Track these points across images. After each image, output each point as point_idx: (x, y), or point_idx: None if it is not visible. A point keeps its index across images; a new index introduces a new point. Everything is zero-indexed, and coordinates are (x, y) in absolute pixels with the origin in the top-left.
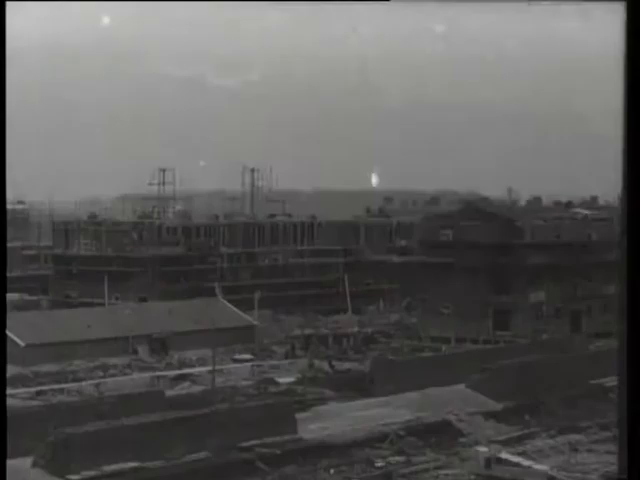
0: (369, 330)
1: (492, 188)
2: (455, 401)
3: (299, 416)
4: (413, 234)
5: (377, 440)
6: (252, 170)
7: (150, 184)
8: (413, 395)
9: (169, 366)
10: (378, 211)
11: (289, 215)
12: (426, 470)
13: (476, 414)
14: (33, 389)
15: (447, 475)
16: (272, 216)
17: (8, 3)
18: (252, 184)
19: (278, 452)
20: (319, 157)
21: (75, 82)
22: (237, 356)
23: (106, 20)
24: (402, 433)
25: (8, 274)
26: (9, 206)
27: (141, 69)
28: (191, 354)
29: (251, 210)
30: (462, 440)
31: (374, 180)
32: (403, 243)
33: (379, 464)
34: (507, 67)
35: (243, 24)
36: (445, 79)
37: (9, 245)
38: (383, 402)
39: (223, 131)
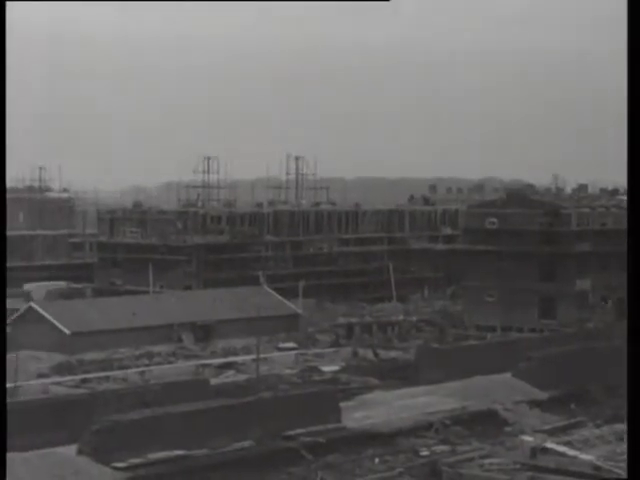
0: (414, 318)
1: (538, 175)
2: (500, 390)
3: (343, 405)
4: (458, 222)
5: (422, 429)
6: (296, 158)
7: (195, 172)
8: (458, 384)
9: (213, 354)
10: (423, 199)
11: (333, 203)
12: (471, 459)
13: (521, 403)
14: (78, 377)
15: (492, 464)
16: (317, 204)
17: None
18: (297, 172)
19: (322, 441)
20: (363, 144)
21: (125, 72)
22: (281, 344)
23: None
24: (447, 422)
25: (54, 262)
26: (55, 195)
27: (187, 60)
28: (235, 342)
29: (296, 198)
30: (507, 429)
31: (419, 168)
32: (448, 231)
33: (424, 453)
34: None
35: (293, 21)
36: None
37: (56, 233)
38: (428, 391)
39: (267, 119)
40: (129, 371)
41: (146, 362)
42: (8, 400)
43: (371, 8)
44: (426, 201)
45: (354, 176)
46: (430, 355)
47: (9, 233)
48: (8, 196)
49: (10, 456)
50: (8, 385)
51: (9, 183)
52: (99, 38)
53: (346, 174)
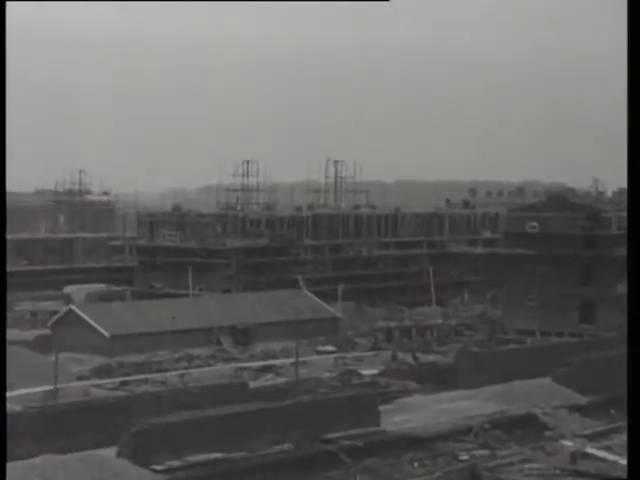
0: (453, 322)
1: (578, 179)
2: (540, 394)
3: (382, 408)
4: (498, 225)
5: (461, 433)
6: (336, 161)
7: (234, 175)
8: (498, 388)
9: (252, 357)
10: (463, 202)
11: (373, 207)
12: (510, 464)
13: (561, 408)
14: (118, 379)
15: (532, 469)
16: (356, 208)
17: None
18: (336, 175)
19: (361, 444)
20: (402, 148)
21: (165, 74)
22: (320, 348)
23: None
24: (487, 426)
25: (95, 265)
26: (95, 198)
27: (226, 62)
28: (274, 345)
29: (335, 202)
30: (547, 434)
31: (459, 171)
32: (488, 234)
33: (463, 457)
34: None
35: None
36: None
37: (96, 236)
38: (467, 395)
39: (307, 123)
40: (168, 374)
41: (185, 365)
42: (49, 403)
43: (405, 7)
44: (466, 204)
45: (394, 179)
46: (469, 359)
47: (49, 236)
48: (50, 199)
49: (49, 458)
50: (49, 387)
51: (50, 186)
52: (141, 40)
53: (386, 177)
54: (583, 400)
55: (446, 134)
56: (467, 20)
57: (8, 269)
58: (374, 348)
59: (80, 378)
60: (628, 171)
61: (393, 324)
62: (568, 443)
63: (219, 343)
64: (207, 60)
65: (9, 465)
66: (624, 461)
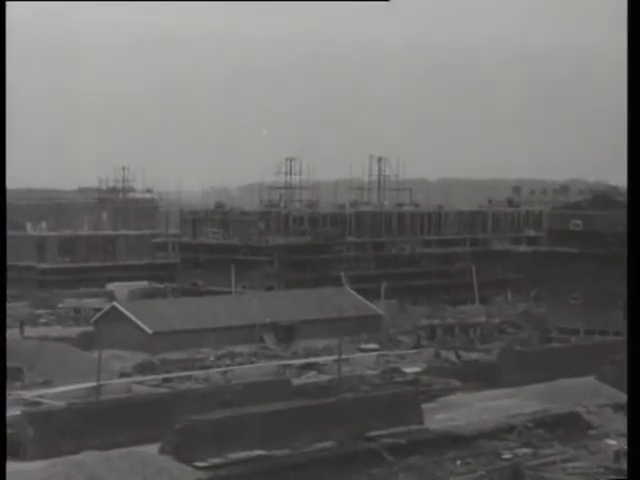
0: (496, 320)
1: (622, 177)
2: (584, 393)
3: (425, 406)
4: (542, 224)
5: (504, 431)
6: (379, 159)
7: (277, 173)
8: (541, 386)
9: (295, 355)
10: (507, 200)
11: (416, 204)
12: (554, 463)
13: (605, 406)
14: (160, 376)
15: (575, 468)
16: (399, 205)
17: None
18: (379, 173)
19: (403, 442)
20: (446, 145)
21: (208, 73)
22: (363, 346)
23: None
24: (530, 425)
25: (138, 262)
26: (138, 195)
27: (268, 60)
28: (317, 343)
29: (378, 199)
30: (591, 433)
31: (503, 169)
32: (532, 233)
33: (506, 456)
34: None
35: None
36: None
37: (139, 233)
38: (511, 393)
39: (349, 120)
40: (211, 371)
41: (228, 362)
42: (92, 399)
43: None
44: (510, 202)
45: (437, 177)
46: (513, 357)
47: (93, 233)
48: (93, 196)
49: (91, 455)
50: (92, 384)
51: (93, 184)
52: (187, 37)
53: (429, 175)
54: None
55: (492, 131)
56: (509, 14)
57: (52, 266)
58: (417, 346)
59: (123, 375)
60: (628, 171)
61: (436, 322)
62: (612, 442)
63: (262, 340)
64: (251, 59)
65: (52, 461)
66: None
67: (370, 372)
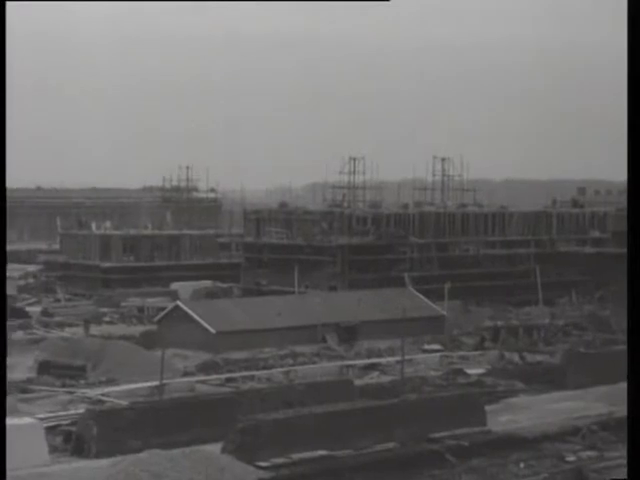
0: (561, 322)
1: None
2: None
3: (488, 408)
4: (607, 225)
5: (568, 434)
6: (443, 159)
7: (340, 173)
8: (606, 389)
9: (358, 355)
10: (571, 201)
11: (480, 205)
12: (619, 466)
13: None
14: (223, 376)
15: None
16: (463, 206)
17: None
18: (443, 173)
19: (466, 444)
20: (511, 146)
21: (270, 71)
22: (426, 346)
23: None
24: (595, 427)
25: (201, 261)
26: (202, 194)
27: (330, 58)
28: (380, 344)
29: (442, 200)
30: None
31: (567, 170)
32: (596, 234)
33: (570, 459)
34: None
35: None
36: None
37: (203, 232)
38: (575, 395)
39: (413, 120)
40: (274, 371)
41: (290, 362)
42: (155, 398)
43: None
44: (575, 203)
45: (502, 178)
46: (577, 359)
47: (157, 232)
48: (157, 196)
49: (154, 453)
50: (155, 383)
51: (157, 183)
52: (240, 36)
53: (494, 176)
54: None
55: (557, 132)
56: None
57: (116, 264)
58: (480, 347)
59: (186, 374)
60: (628, 171)
61: (500, 323)
62: None
63: (324, 341)
64: (314, 58)
65: (116, 459)
66: None
67: (433, 373)
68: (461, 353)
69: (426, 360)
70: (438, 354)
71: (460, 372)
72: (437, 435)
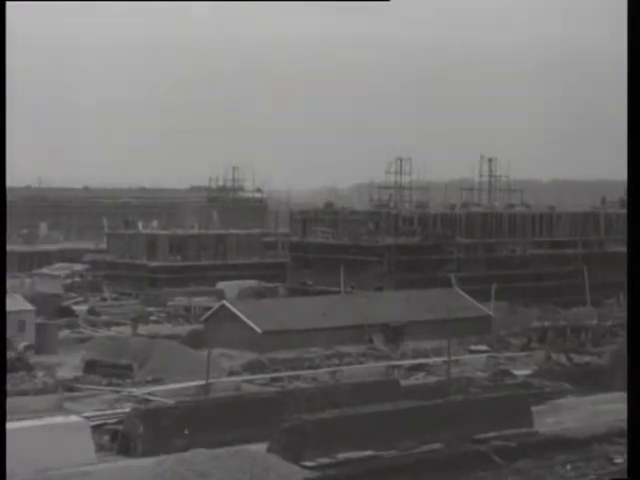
0: (608, 323)
1: None
2: None
3: (535, 409)
4: None
5: (616, 435)
6: (490, 160)
7: (387, 173)
8: None
9: (404, 356)
10: (619, 201)
11: (527, 206)
12: None
13: None
14: (269, 375)
15: None
16: (510, 206)
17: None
18: (490, 174)
19: (513, 445)
20: (557, 146)
21: (319, 72)
22: (473, 347)
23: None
24: None
25: (247, 261)
26: (248, 194)
27: (376, 58)
28: (426, 344)
29: (489, 200)
30: None
31: (615, 170)
32: None
33: (617, 461)
34: None
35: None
36: None
37: (249, 232)
38: (622, 397)
39: (459, 121)
40: (319, 371)
41: (336, 362)
42: (201, 397)
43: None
44: (623, 204)
45: (550, 178)
46: (625, 361)
47: (203, 232)
48: (204, 195)
49: (200, 452)
50: (201, 382)
51: (203, 182)
52: (285, 38)
53: (542, 176)
54: None
55: (605, 132)
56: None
57: (163, 264)
58: (527, 348)
59: (231, 373)
60: (628, 171)
61: (547, 324)
62: None
63: (370, 341)
64: (363, 60)
65: (161, 458)
66: None
67: (480, 374)
68: (508, 354)
69: (472, 361)
70: (485, 355)
71: (507, 373)
72: (483, 436)
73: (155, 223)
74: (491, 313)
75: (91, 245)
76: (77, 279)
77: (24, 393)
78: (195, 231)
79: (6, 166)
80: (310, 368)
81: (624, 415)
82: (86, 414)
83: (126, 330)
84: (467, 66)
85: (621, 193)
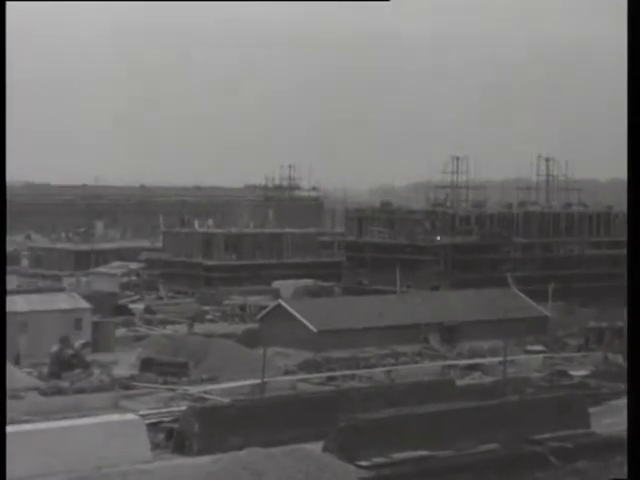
0: None
1: None
2: None
3: (592, 410)
4: None
5: None
6: (547, 159)
7: (443, 172)
8: None
9: (460, 355)
10: None
11: (585, 205)
12: None
13: None
14: (324, 374)
15: None
16: (568, 205)
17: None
18: (547, 173)
19: (569, 446)
20: (616, 145)
21: (372, 72)
22: (529, 347)
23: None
24: None
25: (303, 260)
26: (304, 193)
27: (439, 60)
28: (482, 344)
29: (546, 199)
30: None
31: None
32: None
33: None
34: None
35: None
36: None
37: (304, 231)
38: None
39: (517, 119)
40: (375, 370)
41: (392, 361)
42: (256, 396)
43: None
44: None
45: (607, 178)
46: None
47: (258, 230)
48: (258, 194)
49: (255, 451)
50: (257, 381)
51: (259, 181)
52: (328, 37)
53: (600, 175)
54: None
55: None
56: None
57: (219, 263)
58: (584, 349)
59: (287, 372)
60: (628, 171)
61: (604, 325)
62: None
63: (426, 340)
64: (418, 59)
65: (217, 456)
66: None
67: (536, 374)
68: (564, 354)
69: (529, 361)
70: (541, 355)
71: (563, 373)
72: (540, 437)
73: (211, 222)
74: (548, 313)
75: (147, 243)
76: (133, 277)
77: (81, 391)
78: (251, 230)
79: (6, 166)
80: (365, 367)
81: None
82: (142, 412)
83: (182, 329)
84: (530, 64)
85: None
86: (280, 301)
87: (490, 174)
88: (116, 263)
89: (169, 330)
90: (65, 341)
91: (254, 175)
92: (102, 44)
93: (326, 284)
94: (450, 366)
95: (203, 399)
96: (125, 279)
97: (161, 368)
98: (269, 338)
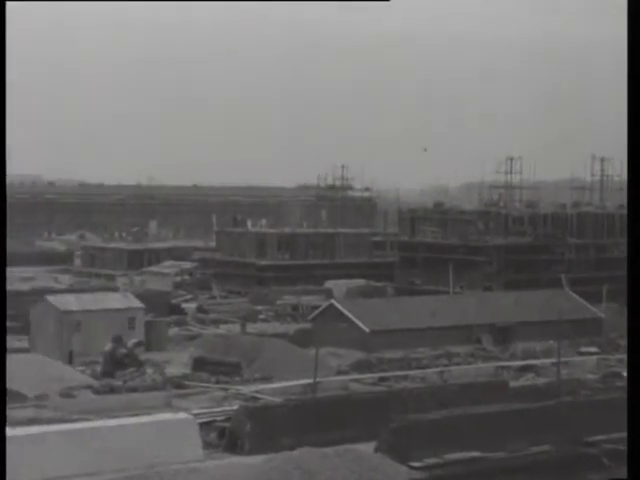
0: None
1: None
2: None
3: None
4: None
5: None
6: (602, 159)
7: (497, 173)
8: None
9: (513, 357)
10: None
11: None
12: None
13: None
14: (377, 375)
15: None
16: (622, 207)
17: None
18: (602, 173)
19: (623, 449)
20: None
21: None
22: (583, 349)
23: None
24: None
25: (355, 260)
26: (357, 193)
27: (487, 60)
28: (535, 345)
29: (600, 200)
30: None
31: None
32: None
33: None
34: None
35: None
36: None
37: (357, 231)
38: None
39: (571, 120)
40: (428, 371)
41: (445, 362)
42: (308, 396)
43: None
44: None
45: None
46: None
47: (311, 230)
48: (312, 194)
49: (307, 451)
50: (309, 380)
51: (312, 181)
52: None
53: None
54: None
55: None
56: None
57: (271, 262)
58: None
59: (339, 372)
60: (628, 171)
61: None
62: None
63: (479, 341)
64: (473, 59)
65: (269, 456)
66: None
67: (590, 376)
68: (619, 356)
69: (583, 362)
70: (595, 357)
71: (617, 375)
72: (593, 439)
73: (264, 222)
74: (602, 315)
75: (200, 243)
76: (186, 277)
77: (133, 390)
78: (304, 230)
79: (6, 167)
80: (418, 368)
81: None
82: (194, 411)
83: (234, 328)
84: (578, 65)
85: None
86: (332, 301)
87: (544, 175)
88: (169, 262)
89: (222, 330)
90: (118, 340)
91: (307, 175)
92: (132, 48)
93: (379, 284)
94: (503, 367)
95: (255, 399)
96: (178, 278)
97: (213, 367)
98: (321, 338)
